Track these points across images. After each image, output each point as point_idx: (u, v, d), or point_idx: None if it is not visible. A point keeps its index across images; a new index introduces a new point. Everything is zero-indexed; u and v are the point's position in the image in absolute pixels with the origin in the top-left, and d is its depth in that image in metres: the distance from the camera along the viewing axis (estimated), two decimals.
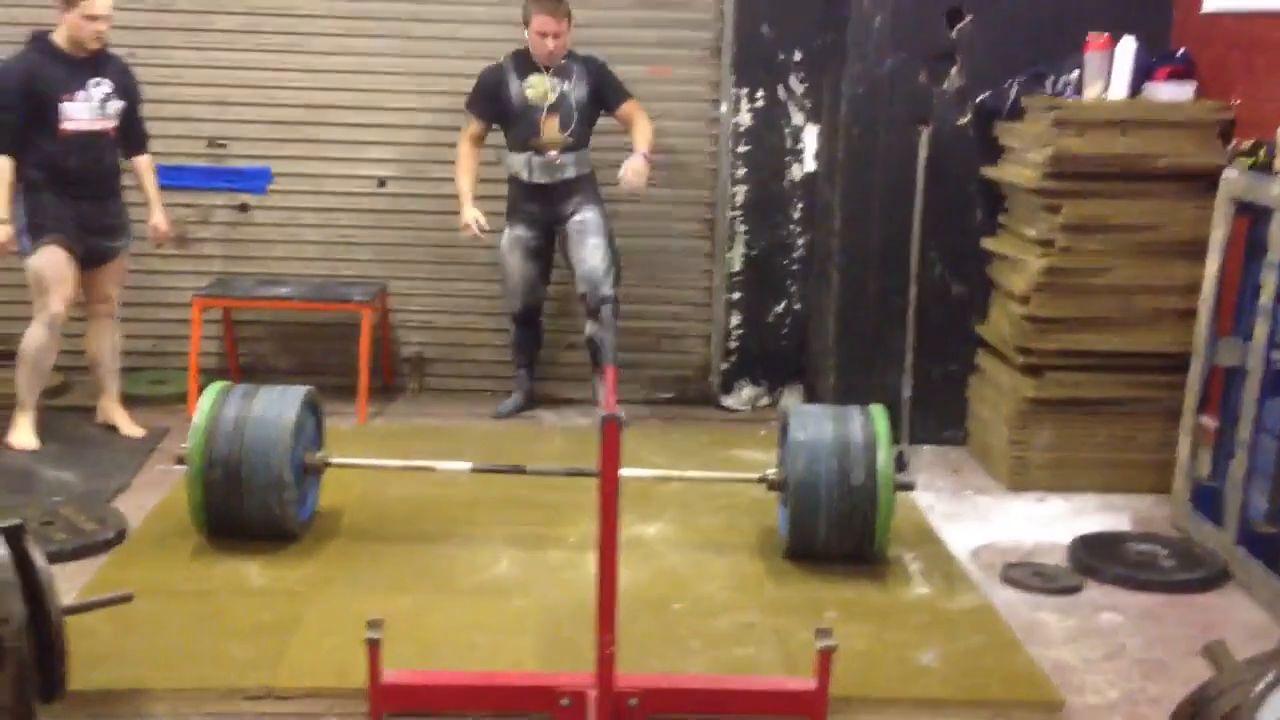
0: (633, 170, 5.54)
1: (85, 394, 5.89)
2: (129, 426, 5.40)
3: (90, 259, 5.19)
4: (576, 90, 5.61)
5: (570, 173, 5.67)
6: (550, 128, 5.60)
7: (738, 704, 3.28)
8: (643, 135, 5.62)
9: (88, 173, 5.09)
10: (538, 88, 5.58)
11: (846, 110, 5.55)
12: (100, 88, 5.07)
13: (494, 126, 5.74)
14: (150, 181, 5.39)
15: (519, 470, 4.53)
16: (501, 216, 5.80)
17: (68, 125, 5.00)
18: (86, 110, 5.03)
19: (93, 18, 4.94)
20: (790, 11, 5.95)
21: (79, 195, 5.09)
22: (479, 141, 5.73)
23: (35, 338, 5.11)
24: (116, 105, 5.13)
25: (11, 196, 4.98)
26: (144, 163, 5.37)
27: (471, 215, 5.61)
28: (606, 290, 5.66)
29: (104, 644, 3.48)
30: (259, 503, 4.16)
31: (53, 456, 5.04)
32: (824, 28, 5.88)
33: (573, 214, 5.71)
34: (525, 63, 5.60)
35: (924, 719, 3.37)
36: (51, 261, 5.06)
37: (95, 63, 5.06)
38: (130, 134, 5.28)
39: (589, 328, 5.75)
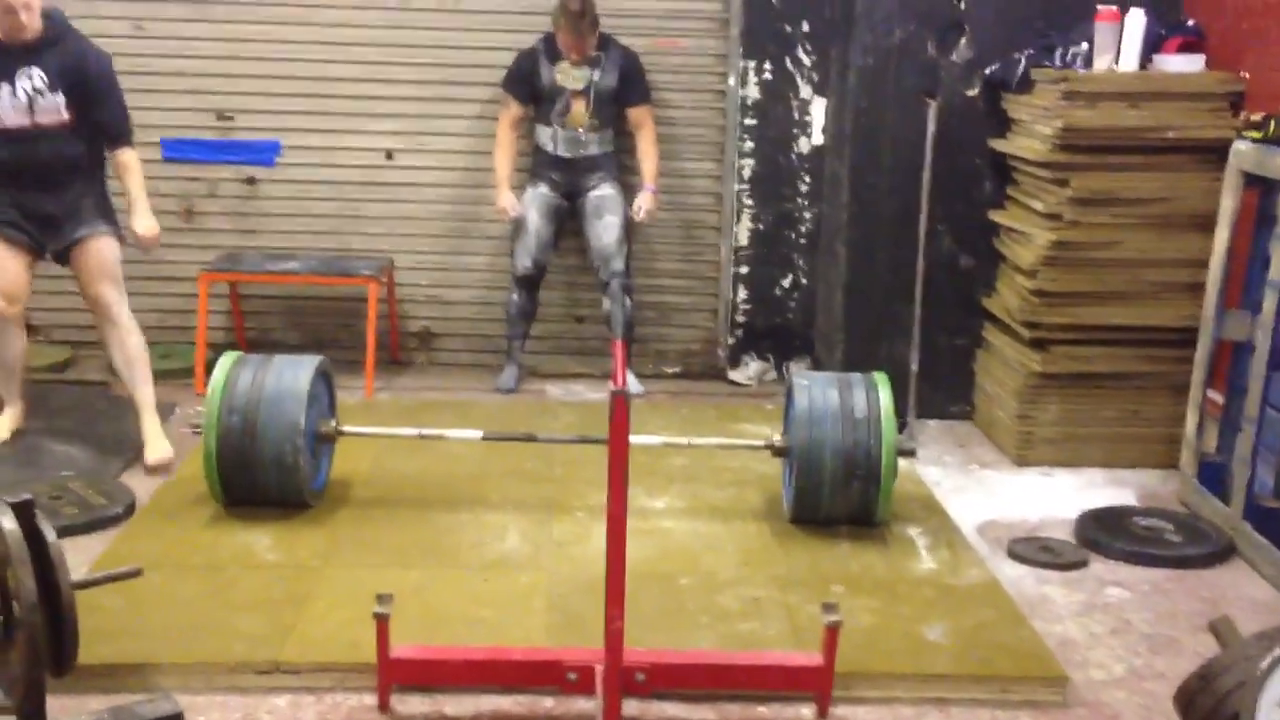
0: (646, 211, 5.85)
1: (93, 368, 5.92)
2: (154, 446, 4.81)
3: (43, 249, 4.76)
4: (605, 79, 5.79)
5: (594, 149, 5.88)
6: (577, 109, 5.81)
7: (744, 679, 3.30)
8: (650, 162, 5.89)
9: (24, 168, 4.61)
10: (568, 73, 5.77)
11: (855, 82, 5.53)
12: (30, 81, 4.52)
13: (529, 108, 5.93)
14: (130, 180, 4.76)
15: (530, 438, 4.54)
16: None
17: (6, 118, 4.54)
18: (10, 107, 4.51)
19: (7, 10, 4.40)
20: None
21: (19, 186, 4.65)
22: (518, 125, 5.92)
23: None
24: (52, 100, 4.55)
25: None
26: (122, 158, 4.76)
27: (509, 200, 5.83)
28: (617, 265, 5.82)
29: (114, 618, 3.50)
30: (274, 468, 4.18)
31: (61, 431, 5.05)
32: None
33: (592, 188, 5.89)
34: (557, 48, 5.77)
35: (929, 694, 3.38)
36: None
37: (30, 51, 4.51)
38: (101, 126, 4.71)
39: (606, 304, 5.94)
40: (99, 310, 4.78)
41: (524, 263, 5.90)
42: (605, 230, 5.83)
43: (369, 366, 5.78)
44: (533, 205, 5.87)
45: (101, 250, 4.75)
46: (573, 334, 6.38)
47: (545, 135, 5.89)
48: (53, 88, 4.57)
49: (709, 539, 4.25)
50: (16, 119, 4.56)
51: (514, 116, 5.88)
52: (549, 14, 5.78)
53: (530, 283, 5.96)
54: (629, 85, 5.84)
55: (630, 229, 5.94)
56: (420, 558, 4.04)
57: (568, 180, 5.90)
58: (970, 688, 3.39)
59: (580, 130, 5.83)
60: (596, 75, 5.77)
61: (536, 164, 5.96)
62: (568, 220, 5.99)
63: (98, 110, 4.68)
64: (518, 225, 5.88)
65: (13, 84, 4.53)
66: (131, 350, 4.83)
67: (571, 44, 5.69)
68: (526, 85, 5.83)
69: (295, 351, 5.23)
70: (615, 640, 3.00)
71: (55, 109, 4.59)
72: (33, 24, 4.50)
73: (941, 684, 3.40)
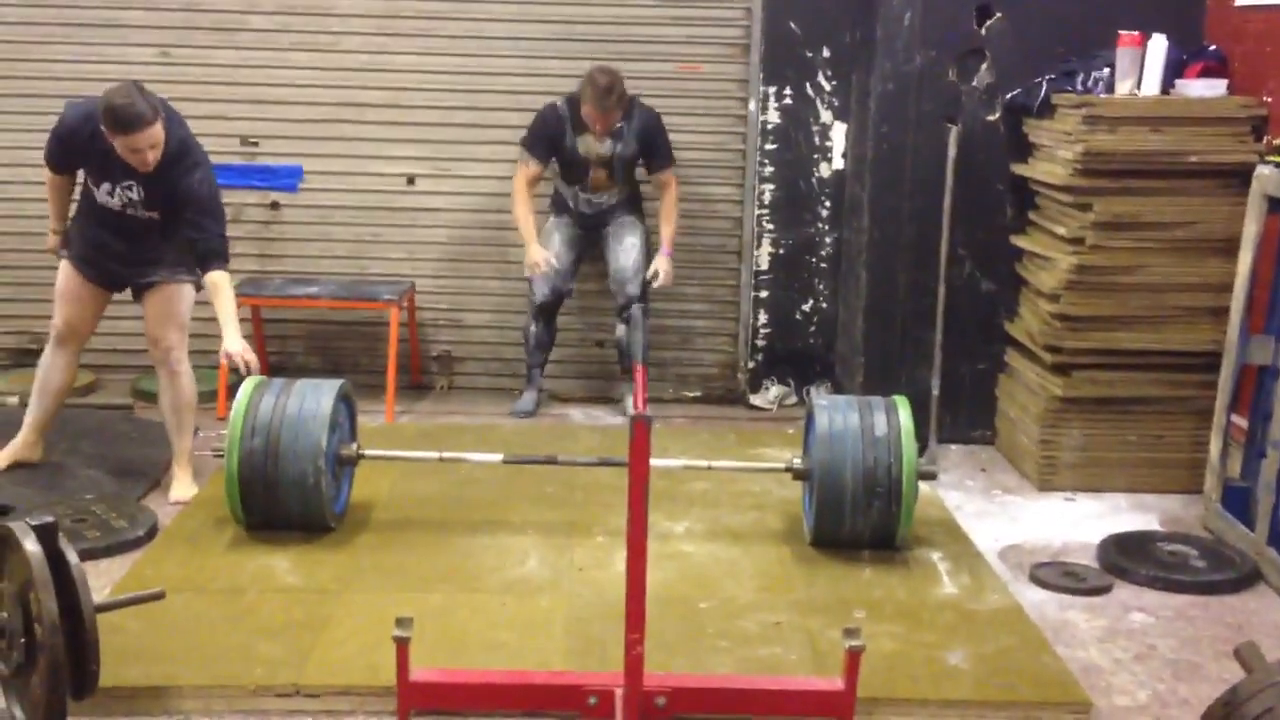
0: (664, 274, 5.79)
1: (117, 392, 5.95)
2: (179, 488, 4.77)
3: (113, 284, 4.80)
4: (626, 149, 5.75)
5: (613, 201, 5.90)
6: (598, 176, 5.81)
7: (765, 704, 3.28)
8: (669, 226, 5.82)
9: (118, 231, 4.66)
10: (590, 146, 5.73)
11: (875, 107, 5.54)
12: (130, 191, 4.55)
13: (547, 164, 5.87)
14: (219, 302, 4.57)
15: (551, 461, 4.54)
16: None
17: (97, 197, 4.62)
18: (112, 199, 4.58)
19: (134, 150, 4.35)
20: (819, 8, 5.94)
21: (103, 225, 4.67)
22: (536, 182, 5.84)
23: (44, 352, 4.84)
24: (144, 212, 4.59)
25: (59, 208, 4.80)
26: (212, 278, 4.58)
27: (540, 255, 5.74)
28: (633, 289, 5.78)
29: (135, 641, 3.50)
30: (295, 492, 4.20)
31: (84, 454, 5.07)
32: (853, 24, 5.87)
33: (614, 219, 5.91)
34: (580, 117, 5.69)
35: None
36: (61, 278, 4.76)
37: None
38: (192, 244, 4.61)
39: (619, 329, 5.58)
40: (158, 352, 4.75)
41: (542, 291, 5.83)
42: (624, 253, 5.82)
43: (390, 390, 5.79)
44: (553, 233, 5.87)
45: (173, 295, 4.74)
46: (593, 358, 6.38)
47: (567, 191, 5.92)
48: (146, 205, 4.57)
49: (729, 563, 4.24)
50: (106, 203, 4.60)
51: (532, 175, 5.80)
52: (569, 39, 5.81)
53: (548, 311, 5.92)
54: (650, 150, 5.80)
55: (650, 255, 5.92)
56: (440, 581, 4.04)
57: (588, 220, 5.93)
58: (993, 714, 3.37)
59: (602, 194, 5.86)
60: (619, 147, 5.73)
61: (558, 201, 5.99)
62: (589, 249, 5.99)
63: (189, 230, 4.57)
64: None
65: (113, 184, 4.55)
66: (181, 397, 4.77)
67: (596, 118, 5.61)
68: (549, 147, 5.78)
69: (317, 375, 5.27)
70: (635, 664, 2.99)
71: (143, 215, 4.61)
72: (156, 160, 4.44)
73: (964, 710, 3.38)
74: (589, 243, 5.98)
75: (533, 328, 5.93)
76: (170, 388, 4.76)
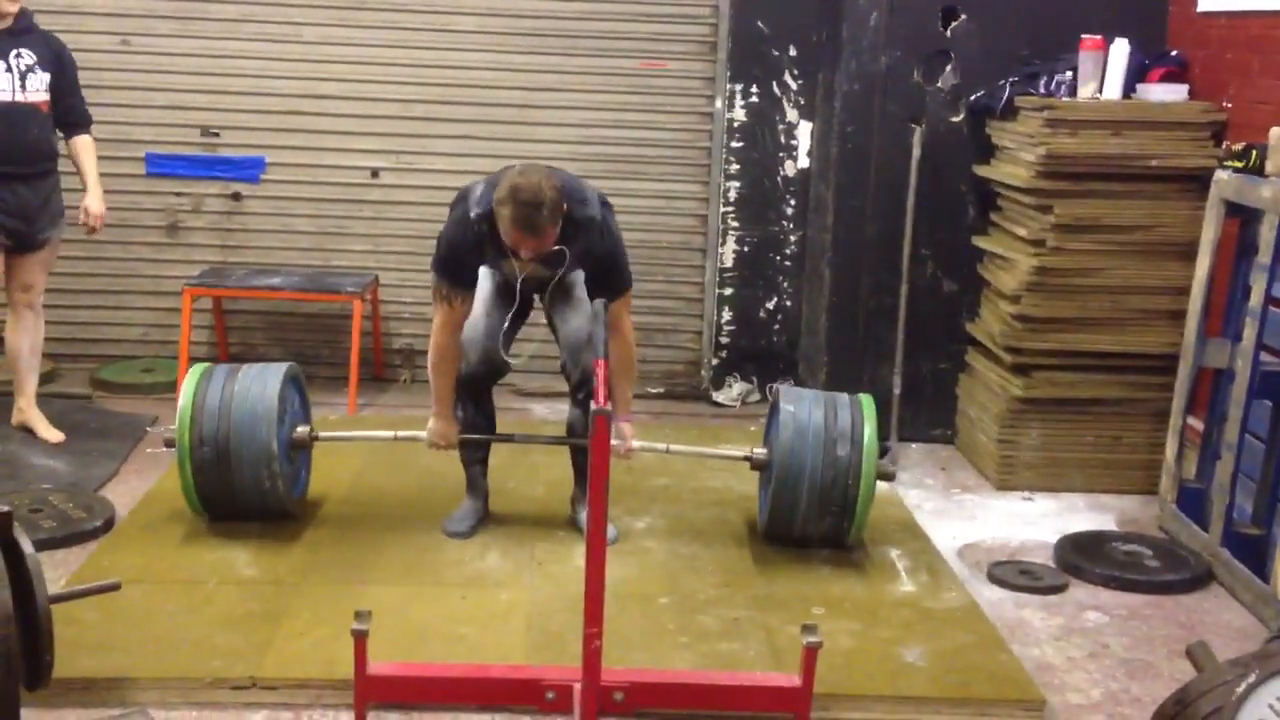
0: (628, 449, 4.23)
1: (75, 381, 5.90)
2: (47, 430, 5.06)
3: (15, 245, 4.87)
4: (569, 274, 4.19)
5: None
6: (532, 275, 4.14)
7: (723, 699, 3.30)
8: (624, 382, 4.24)
9: (11, 147, 4.75)
10: (517, 268, 4.06)
11: (841, 107, 5.56)
12: (21, 60, 4.76)
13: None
14: (87, 162, 5.01)
15: (508, 439, 4.51)
16: None
17: None
18: (5, 81, 4.72)
19: None
20: (786, 7, 5.95)
21: (7, 174, 4.76)
22: (462, 325, 4.17)
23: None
24: (41, 78, 4.82)
25: None
26: (82, 142, 5.02)
27: (447, 430, 4.29)
28: (587, 358, 4.22)
29: (91, 632, 3.48)
30: (250, 479, 4.17)
31: (41, 444, 5.02)
32: (819, 24, 5.89)
33: (560, 276, 4.20)
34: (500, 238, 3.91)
35: (908, 716, 3.39)
36: None
37: (16, 34, 4.78)
38: (66, 113, 4.96)
39: (570, 411, 4.44)
40: (28, 298, 5.01)
41: (474, 356, 4.25)
42: (573, 311, 4.28)
43: (352, 383, 5.77)
44: (485, 280, 4.24)
45: (53, 249, 5.06)
46: (554, 354, 6.34)
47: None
48: (42, 66, 4.83)
49: (689, 559, 4.25)
50: (8, 95, 4.75)
51: (457, 317, 4.11)
52: (535, 34, 5.75)
53: (477, 386, 4.34)
54: (598, 277, 4.08)
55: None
56: (400, 575, 4.03)
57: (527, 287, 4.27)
58: (948, 710, 3.40)
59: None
60: (559, 272, 4.11)
61: None
62: (529, 311, 4.43)
63: (69, 95, 4.97)
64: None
65: (7, 61, 4.75)
66: (40, 336, 5.11)
67: (522, 241, 3.82)
68: (472, 267, 4.11)
69: None
70: (594, 659, 3.00)
71: (43, 88, 4.85)
72: (12, 8, 4.77)
73: (920, 706, 3.40)
74: (529, 304, 4.39)
75: (459, 412, 4.35)
76: (33, 329, 5.05)
